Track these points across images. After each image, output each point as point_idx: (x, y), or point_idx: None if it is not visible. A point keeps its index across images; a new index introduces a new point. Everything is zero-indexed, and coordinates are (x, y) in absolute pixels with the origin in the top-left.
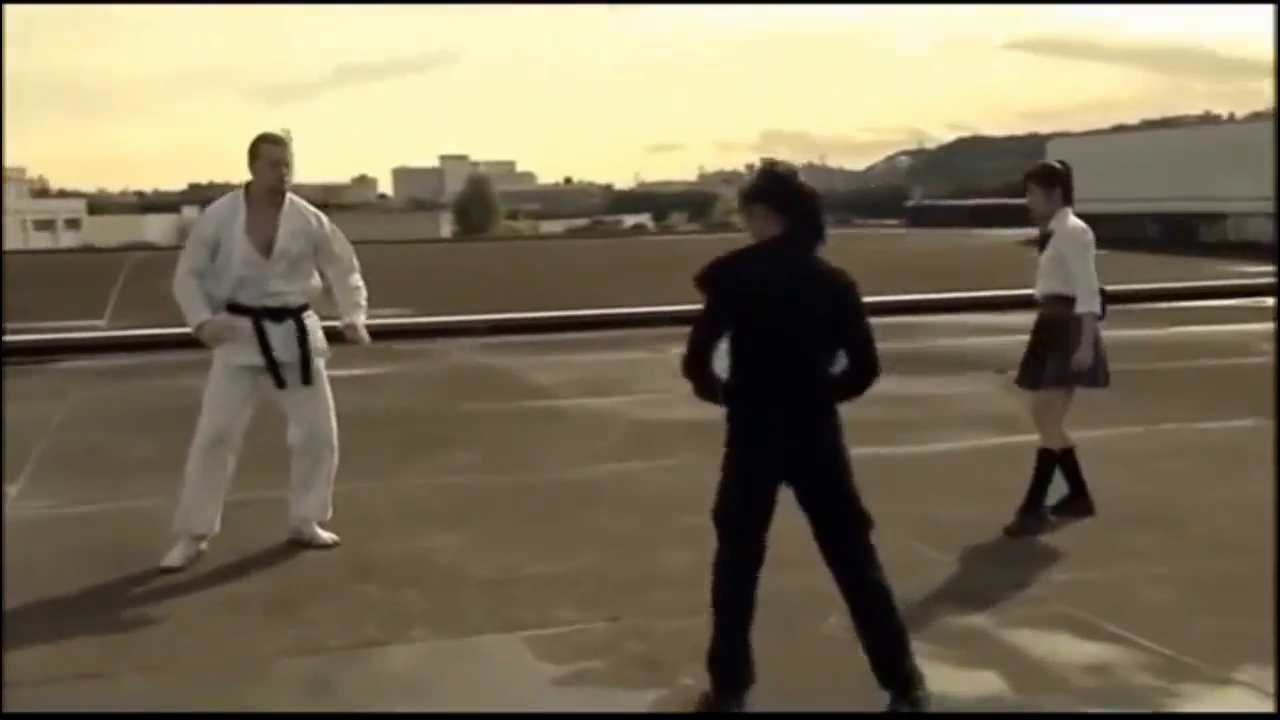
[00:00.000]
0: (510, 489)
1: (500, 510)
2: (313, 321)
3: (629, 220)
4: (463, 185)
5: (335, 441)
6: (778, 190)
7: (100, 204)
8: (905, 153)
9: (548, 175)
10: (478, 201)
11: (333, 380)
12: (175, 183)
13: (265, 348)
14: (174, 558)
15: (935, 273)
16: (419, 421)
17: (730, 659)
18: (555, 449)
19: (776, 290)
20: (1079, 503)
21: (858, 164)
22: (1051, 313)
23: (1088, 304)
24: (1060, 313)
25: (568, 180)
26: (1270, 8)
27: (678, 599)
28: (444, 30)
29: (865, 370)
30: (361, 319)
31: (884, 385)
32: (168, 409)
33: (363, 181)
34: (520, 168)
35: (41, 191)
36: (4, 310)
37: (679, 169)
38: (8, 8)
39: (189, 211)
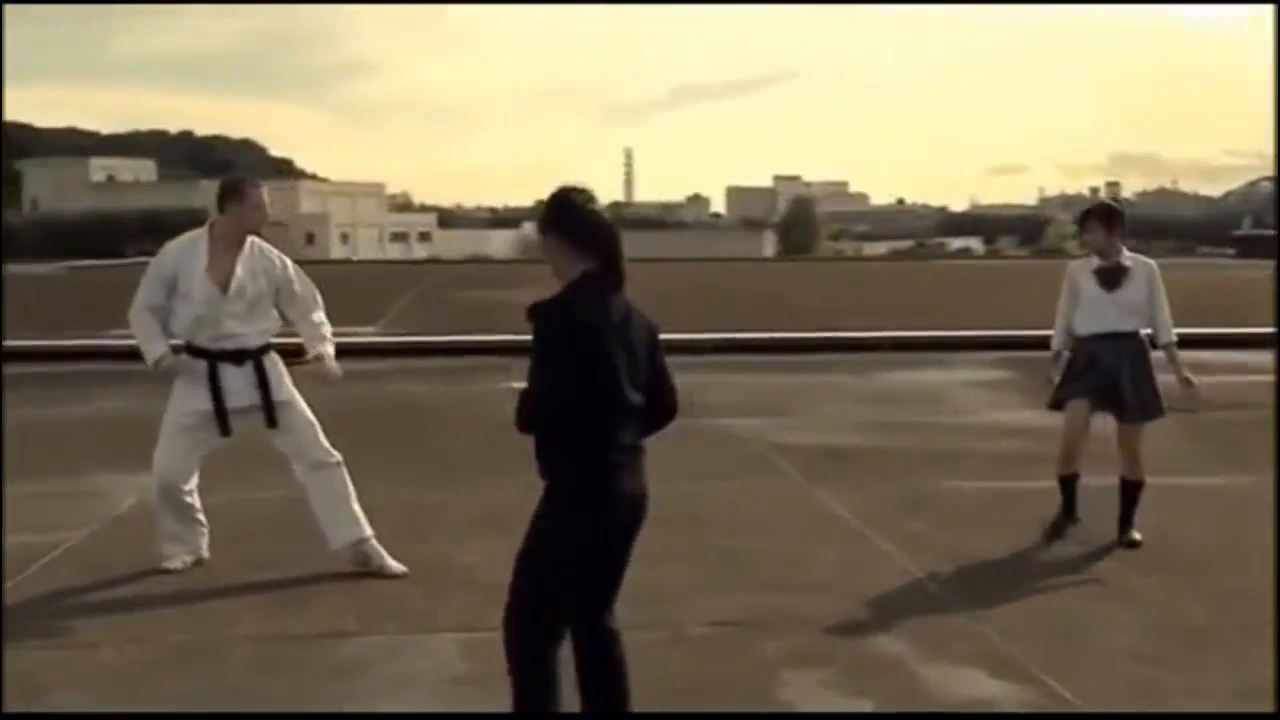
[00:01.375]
0: None
1: None
2: (273, 362)
3: (955, 244)
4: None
5: (333, 457)
6: (565, 220)
7: (453, 218)
8: (1268, 178)
9: (881, 196)
10: (800, 222)
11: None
12: (523, 199)
13: (216, 395)
14: (173, 563)
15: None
16: None
17: None
18: (665, 464)
19: (610, 330)
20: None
21: (1213, 189)
22: (1139, 346)
23: (1170, 334)
24: (1143, 346)
25: (900, 201)
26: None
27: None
28: (783, 50)
29: (665, 414)
30: (329, 349)
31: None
32: (360, 411)
33: (696, 200)
34: (853, 188)
35: (404, 206)
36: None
37: (1018, 191)
38: (379, 35)
39: (528, 227)
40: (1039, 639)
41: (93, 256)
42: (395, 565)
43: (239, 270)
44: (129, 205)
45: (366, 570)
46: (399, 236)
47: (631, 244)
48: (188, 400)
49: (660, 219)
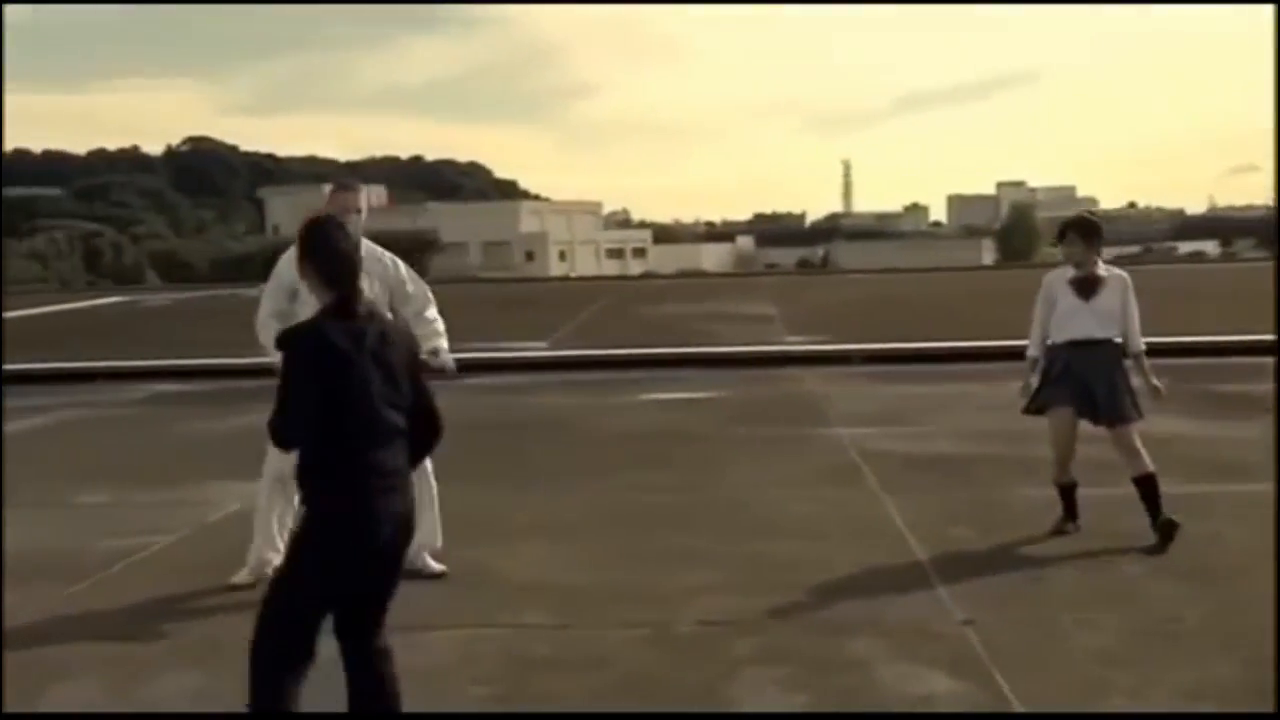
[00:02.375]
0: (662, 505)
1: (627, 523)
2: None
3: (1185, 247)
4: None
5: (427, 469)
6: (314, 250)
7: (670, 234)
8: None
9: (1111, 200)
10: (1020, 228)
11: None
12: (741, 213)
13: None
14: (242, 576)
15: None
16: (668, 440)
17: None
18: (749, 472)
19: (362, 354)
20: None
21: None
22: (1112, 353)
23: (1139, 343)
24: (1118, 352)
25: (1131, 205)
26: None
27: (646, 614)
28: (1019, 52)
29: (431, 433)
30: (443, 345)
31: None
32: (487, 420)
33: (914, 209)
34: (1081, 192)
35: (623, 223)
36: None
37: (1261, 192)
38: (599, 57)
39: (743, 241)
40: (1018, 641)
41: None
42: (434, 565)
43: None
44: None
45: (411, 569)
46: (615, 253)
47: (848, 254)
48: None
49: (878, 229)
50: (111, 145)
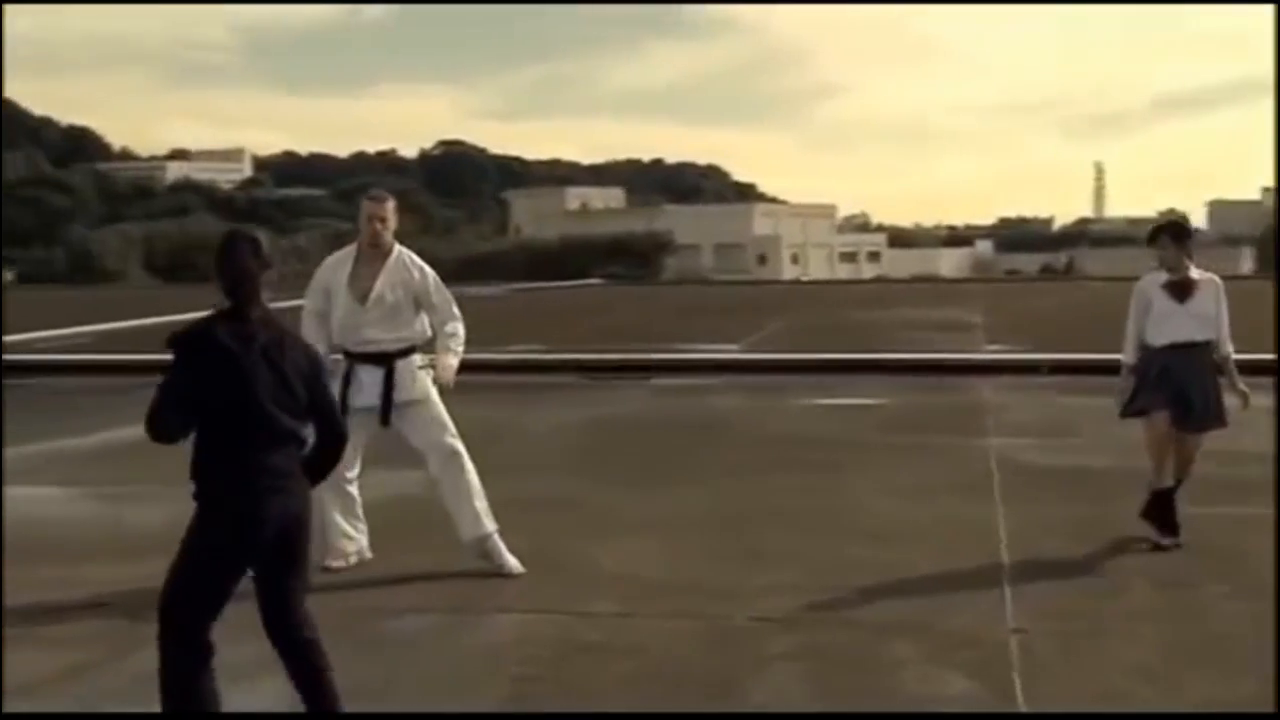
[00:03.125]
0: (774, 506)
1: (730, 523)
2: (405, 364)
3: None
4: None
5: (462, 455)
6: (217, 261)
7: (908, 238)
8: None
9: None
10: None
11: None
12: (985, 217)
13: (344, 393)
14: (338, 560)
15: None
16: (815, 445)
17: None
18: (878, 479)
19: (250, 358)
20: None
21: None
22: (1206, 357)
23: (1229, 347)
24: (1209, 356)
25: None
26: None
27: (709, 608)
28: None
29: (335, 439)
30: (452, 361)
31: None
32: (652, 420)
33: (1171, 215)
34: None
35: (862, 226)
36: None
37: None
38: (847, 57)
39: (982, 246)
40: (1057, 651)
41: (564, 278)
42: (514, 564)
43: (379, 282)
44: (598, 231)
45: (490, 566)
46: (848, 257)
47: (1095, 260)
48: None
49: (1129, 235)
50: (371, 148)
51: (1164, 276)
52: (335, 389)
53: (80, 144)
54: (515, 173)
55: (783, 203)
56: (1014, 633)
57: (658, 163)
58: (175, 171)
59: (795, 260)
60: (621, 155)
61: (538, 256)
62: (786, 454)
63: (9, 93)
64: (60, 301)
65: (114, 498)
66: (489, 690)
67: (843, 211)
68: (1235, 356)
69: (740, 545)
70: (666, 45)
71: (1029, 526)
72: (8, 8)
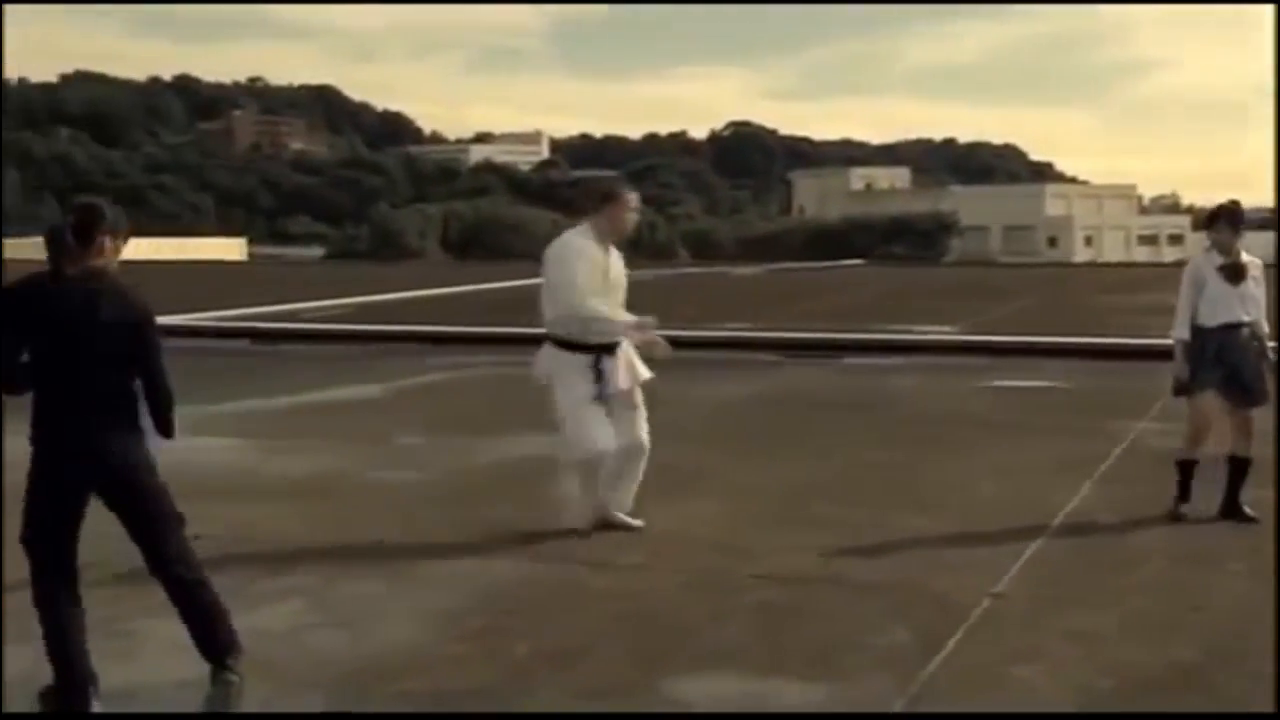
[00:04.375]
0: (862, 479)
1: (811, 492)
2: (624, 349)
3: None
4: None
5: (642, 442)
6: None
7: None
8: None
9: None
10: None
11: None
12: None
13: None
14: (576, 521)
15: None
16: (954, 424)
17: (69, 687)
18: (987, 457)
19: (65, 313)
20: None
21: None
22: (1253, 335)
23: (1266, 326)
24: (1255, 336)
25: None
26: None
27: (732, 565)
28: None
29: (161, 397)
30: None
31: None
32: (807, 396)
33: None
34: None
35: (1170, 207)
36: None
37: None
38: (1163, 31)
39: None
40: (1017, 615)
41: (844, 258)
42: (633, 521)
43: (615, 268)
44: (881, 211)
45: (607, 520)
46: (1148, 239)
47: None
48: (578, 385)
49: None
50: (663, 130)
51: (1218, 259)
52: (583, 384)
53: (394, 128)
54: (803, 153)
55: (1082, 183)
56: (991, 596)
57: (950, 142)
58: (478, 154)
59: (1089, 243)
60: (913, 135)
61: (818, 236)
62: (913, 431)
63: (331, 79)
64: (351, 276)
65: (271, 450)
66: (470, 623)
67: (1146, 192)
68: None
69: (794, 512)
70: (970, 23)
71: (1098, 506)
72: None
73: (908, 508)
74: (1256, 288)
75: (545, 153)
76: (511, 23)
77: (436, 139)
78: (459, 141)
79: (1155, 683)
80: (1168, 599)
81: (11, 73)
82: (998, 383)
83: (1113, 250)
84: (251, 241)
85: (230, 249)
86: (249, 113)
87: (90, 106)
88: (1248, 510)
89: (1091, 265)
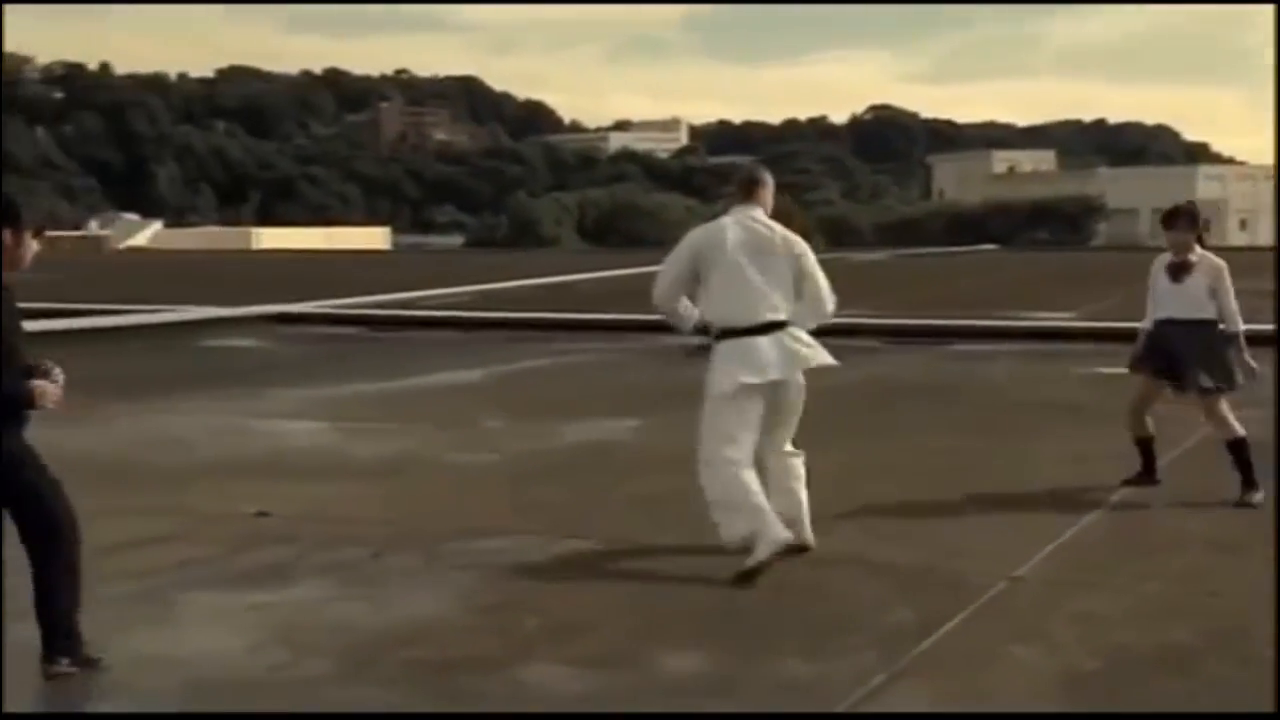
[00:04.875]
0: (916, 464)
1: (857, 475)
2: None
3: None
4: None
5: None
6: None
7: None
8: None
9: None
10: None
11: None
12: None
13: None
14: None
15: None
16: (1034, 411)
17: None
18: (1061, 444)
19: None
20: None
21: None
22: (1202, 333)
23: (1237, 324)
24: (1209, 333)
25: None
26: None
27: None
28: None
29: None
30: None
31: None
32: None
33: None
34: None
35: None
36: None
37: None
38: None
39: None
40: (1024, 597)
41: (985, 243)
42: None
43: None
44: (1024, 194)
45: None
46: None
47: None
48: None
49: None
50: (802, 115)
51: (1169, 258)
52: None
53: (535, 117)
54: (946, 136)
55: (1239, 164)
56: (1009, 579)
57: (1099, 123)
58: (617, 142)
59: (1244, 226)
60: (1059, 116)
61: (958, 221)
62: (993, 417)
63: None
64: (483, 263)
65: (358, 432)
66: (486, 598)
67: None
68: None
69: (838, 494)
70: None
71: (1156, 493)
72: None
73: (956, 492)
74: (1206, 286)
75: (684, 139)
76: (651, 11)
77: (576, 127)
78: (598, 130)
79: (1143, 665)
80: (1186, 584)
81: (171, 68)
82: (1099, 369)
83: (1270, 234)
84: (395, 230)
85: (375, 238)
86: (395, 105)
87: (245, 100)
88: (1250, 499)
89: (1248, 249)
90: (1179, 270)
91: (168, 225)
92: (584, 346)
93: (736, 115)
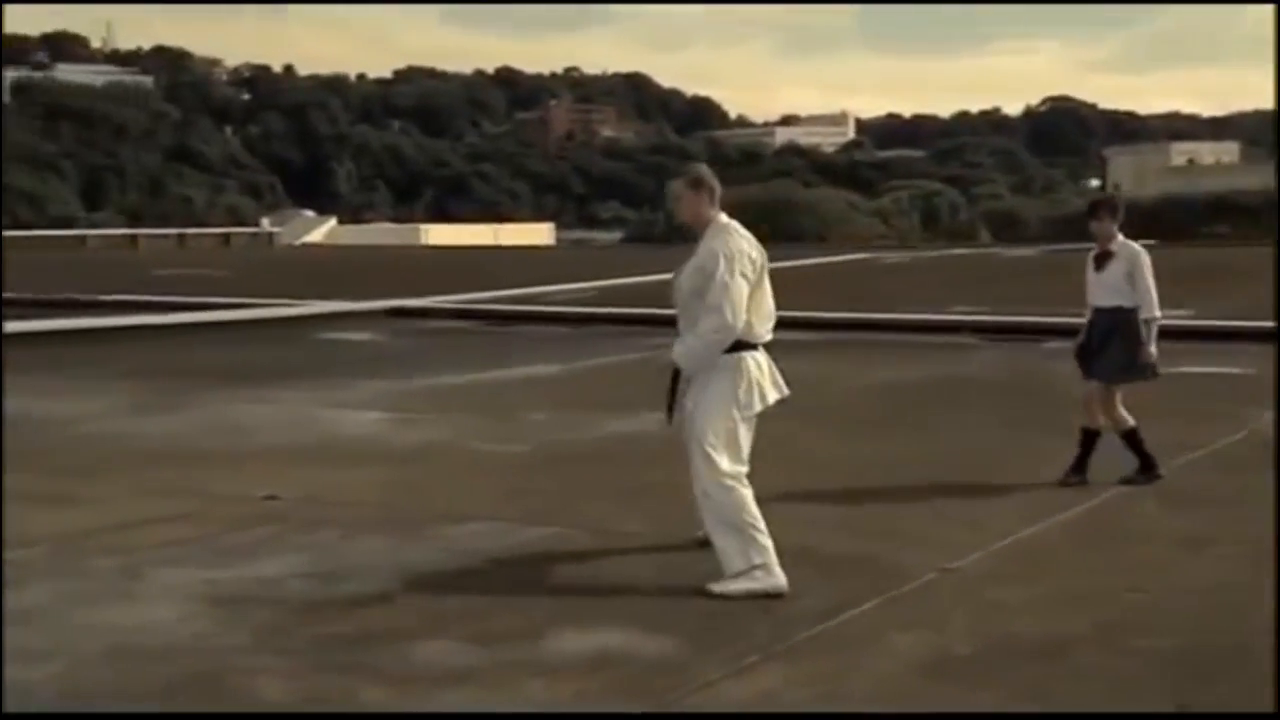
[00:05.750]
0: (946, 454)
1: (882, 466)
2: None
3: None
4: None
5: None
6: None
7: None
8: None
9: None
10: None
11: None
12: None
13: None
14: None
15: None
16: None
17: None
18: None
19: None
20: (1150, 474)
21: None
22: (1118, 319)
23: (1154, 310)
24: (1125, 319)
25: None
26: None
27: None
28: None
29: None
30: None
31: None
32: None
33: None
34: None
35: None
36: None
37: None
38: None
39: None
40: (942, 587)
41: (1160, 238)
42: None
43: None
44: (1202, 188)
45: None
46: None
47: None
48: None
49: None
50: (974, 107)
51: (1095, 248)
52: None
53: (702, 113)
54: (1127, 128)
55: None
56: (941, 570)
57: None
58: (782, 137)
59: None
60: (1248, 106)
61: (1134, 214)
62: (1045, 414)
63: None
64: (625, 258)
65: (406, 422)
66: (437, 580)
67: None
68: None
69: (832, 486)
70: None
71: (1157, 490)
72: None
73: (955, 486)
74: (1124, 273)
75: (851, 133)
76: (821, 6)
77: (743, 123)
78: (765, 124)
79: (1017, 652)
80: (1114, 579)
81: (351, 68)
82: (1182, 368)
83: None
84: (560, 226)
85: (539, 234)
86: (564, 102)
87: (420, 99)
88: (1137, 479)
89: None
90: (1102, 259)
91: (342, 222)
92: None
93: (906, 108)
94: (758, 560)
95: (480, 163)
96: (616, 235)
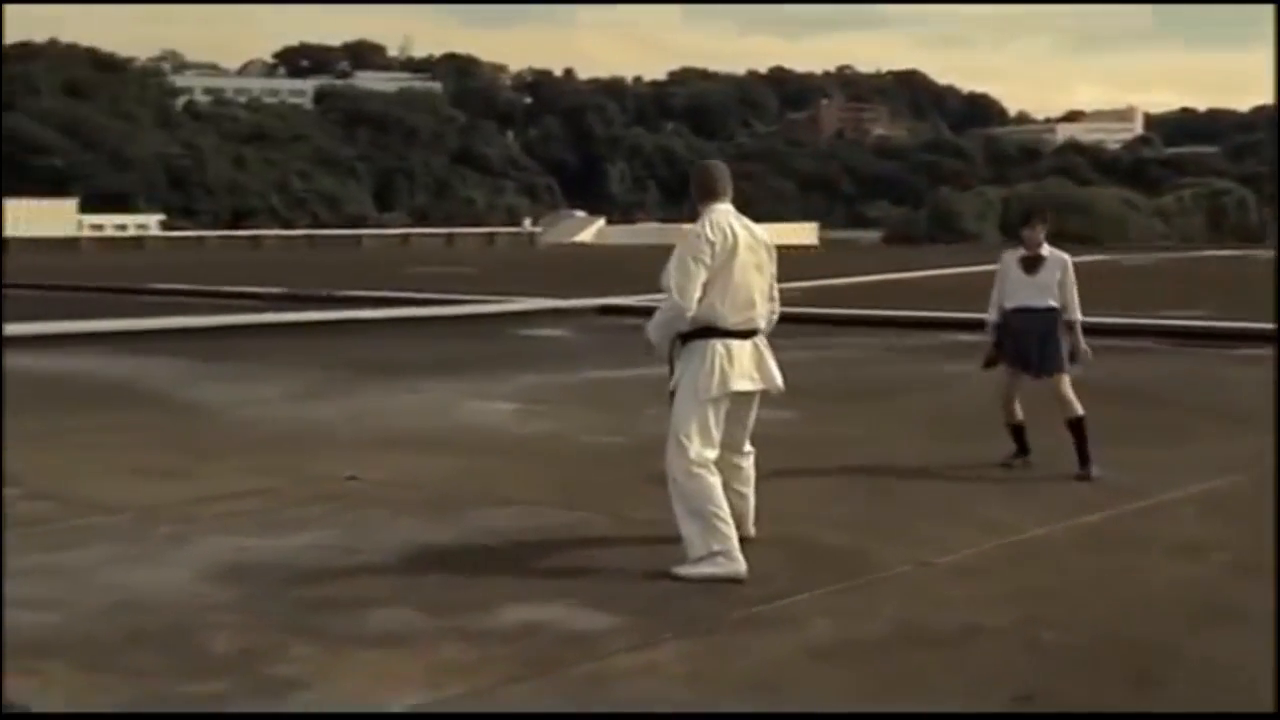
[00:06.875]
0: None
1: (856, 467)
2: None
3: None
4: None
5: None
6: None
7: None
8: None
9: None
10: None
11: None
12: None
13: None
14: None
15: None
16: (1203, 415)
17: None
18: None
19: None
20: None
21: None
22: (1051, 319)
23: (1077, 312)
24: (1056, 318)
25: None
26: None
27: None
28: None
29: None
30: None
31: None
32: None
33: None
34: None
35: None
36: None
37: None
38: None
39: None
40: (906, 580)
41: None
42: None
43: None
44: None
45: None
46: None
47: None
48: None
49: None
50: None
51: (1021, 252)
52: None
53: (979, 110)
54: None
55: None
56: (917, 564)
57: None
58: (1065, 133)
59: None
60: None
61: None
62: (1137, 419)
63: (915, 63)
64: (872, 258)
65: (531, 414)
66: (437, 555)
67: None
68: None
69: (833, 484)
70: None
71: (1188, 499)
72: None
73: (994, 485)
74: (1056, 278)
75: (1138, 129)
76: (1116, 7)
77: (1023, 119)
78: (1047, 121)
79: (918, 642)
80: (1071, 581)
81: (628, 71)
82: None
83: None
84: (828, 226)
85: (803, 233)
86: (835, 101)
87: (693, 100)
88: (1088, 472)
89: None
90: (1033, 263)
91: (611, 222)
92: (849, 341)
93: (1202, 103)
94: (717, 547)
95: (747, 162)
96: (877, 235)
